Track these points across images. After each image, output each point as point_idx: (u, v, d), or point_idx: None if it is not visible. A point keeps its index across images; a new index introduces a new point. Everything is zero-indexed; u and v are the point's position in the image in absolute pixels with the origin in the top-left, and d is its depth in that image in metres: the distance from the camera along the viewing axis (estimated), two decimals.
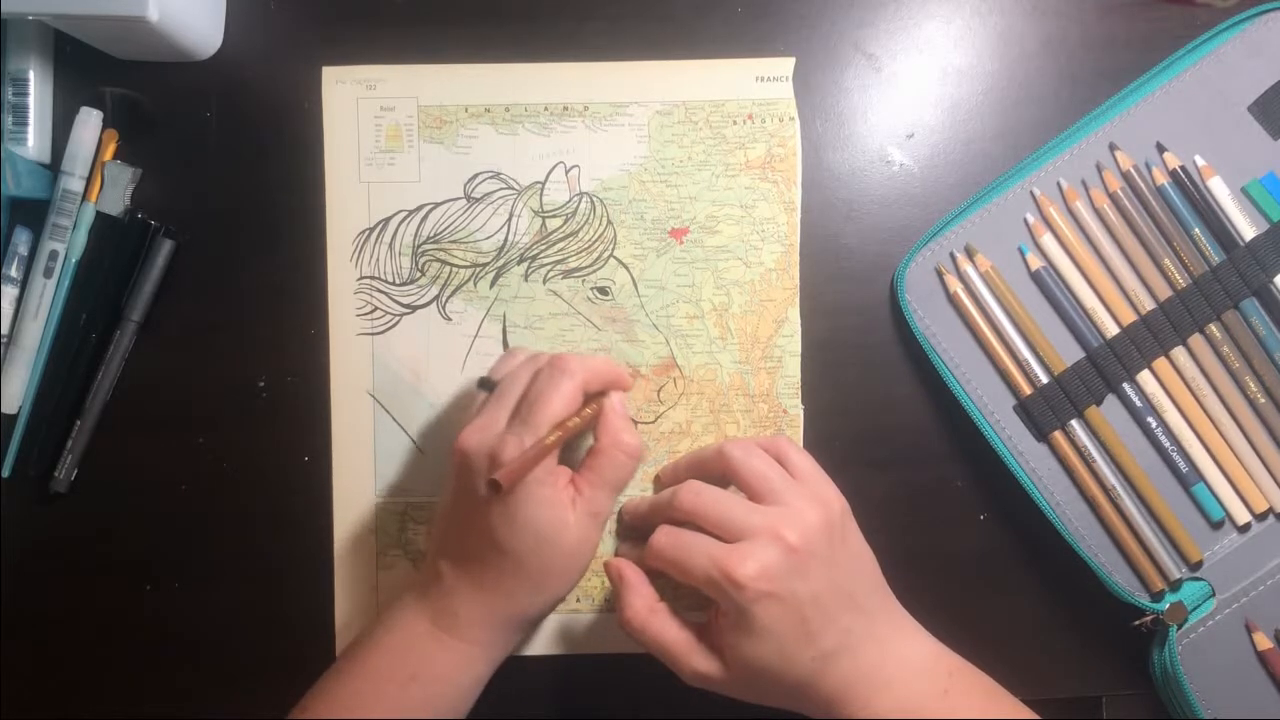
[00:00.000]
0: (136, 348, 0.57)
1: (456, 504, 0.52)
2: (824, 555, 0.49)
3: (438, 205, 0.57)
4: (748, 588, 0.47)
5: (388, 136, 0.57)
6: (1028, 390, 0.56)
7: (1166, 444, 0.55)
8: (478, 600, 0.51)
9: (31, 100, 0.56)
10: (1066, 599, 0.58)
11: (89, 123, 0.57)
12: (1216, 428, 0.55)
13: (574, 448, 0.55)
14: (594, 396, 0.52)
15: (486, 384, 0.53)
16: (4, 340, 0.57)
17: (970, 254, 0.57)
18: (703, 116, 0.57)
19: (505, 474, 0.47)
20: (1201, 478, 0.55)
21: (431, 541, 0.55)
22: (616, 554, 0.57)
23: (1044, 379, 0.56)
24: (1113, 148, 0.56)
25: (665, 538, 0.50)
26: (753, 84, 0.57)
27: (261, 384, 0.58)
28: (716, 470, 0.53)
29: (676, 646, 0.50)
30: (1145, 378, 0.56)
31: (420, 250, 0.57)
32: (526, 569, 0.50)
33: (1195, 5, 0.58)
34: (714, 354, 0.57)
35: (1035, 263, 0.56)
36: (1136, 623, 0.55)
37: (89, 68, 0.57)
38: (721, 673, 0.49)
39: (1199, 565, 0.55)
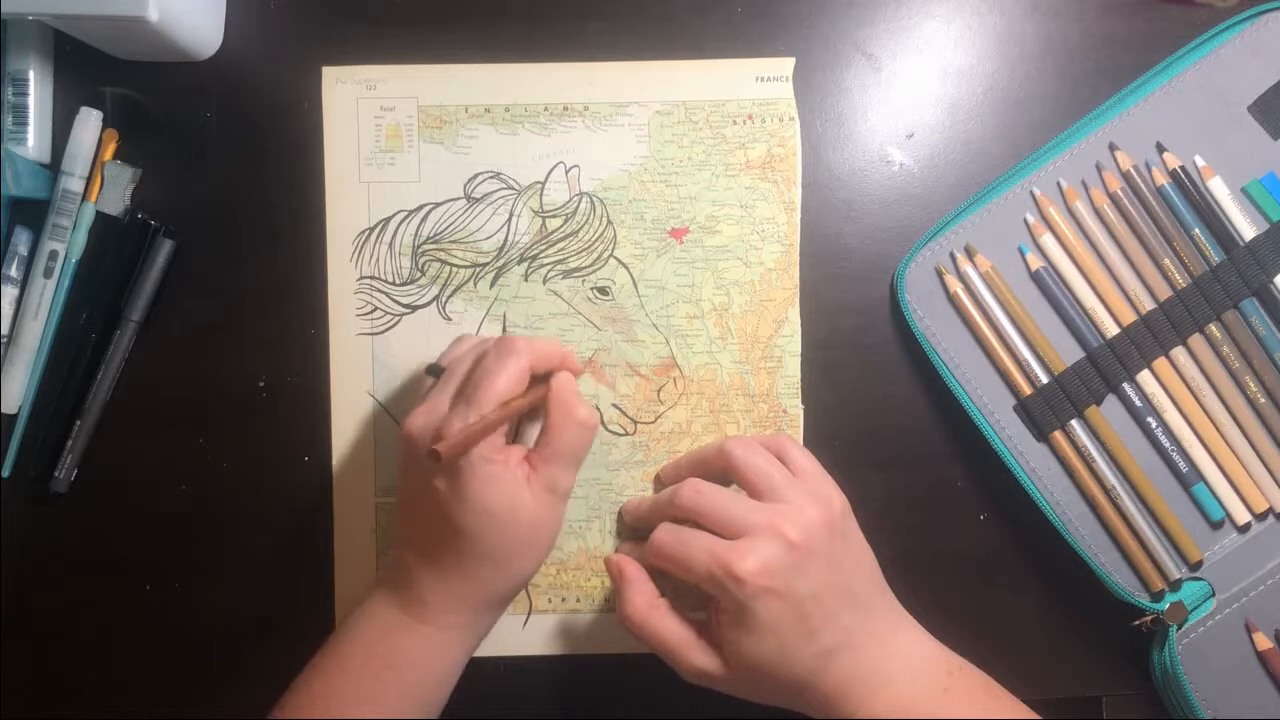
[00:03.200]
0: (136, 348, 0.57)
1: (409, 489, 0.52)
2: (825, 553, 0.49)
3: (438, 205, 0.57)
4: (748, 583, 0.47)
5: (388, 136, 0.57)
6: (1028, 390, 0.56)
7: (1166, 444, 0.55)
8: (441, 584, 0.51)
9: (31, 100, 0.56)
10: (1066, 599, 0.58)
11: (89, 123, 0.57)
12: (1216, 428, 0.55)
13: (529, 434, 0.55)
14: (542, 379, 0.52)
15: (434, 370, 0.53)
16: (4, 340, 0.57)
17: (970, 254, 0.57)
18: (703, 116, 0.57)
19: (446, 445, 0.46)
20: (1201, 478, 0.55)
21: (395, 531, 0.55)
22: (617, 552, 0.57)
23: (1044, 379, 0.56)
24: (1113, 148, 0.56)
25: (666, 535, 0.50)
26: (753, 84, 0.57)
27: (261, 384, 0.58)
28: (717, 468, 0.53)
29: (676, 642, 0.50)
30: (1145, 378, 0.56)
31: (420, 250, 0.57)
32: (483, 549, 0.50)
33: (1195, 5, 0.58)
34: (714, 354, 0.57)
35: (1035, 263, 0.56)
36: (1136, 623, 0.55)
37: (89, 68, 0.57)
38: (721, 670, 0.49)
39: (1199, 565, 0.55)
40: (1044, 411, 0.55)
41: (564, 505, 0.53)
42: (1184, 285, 0.55)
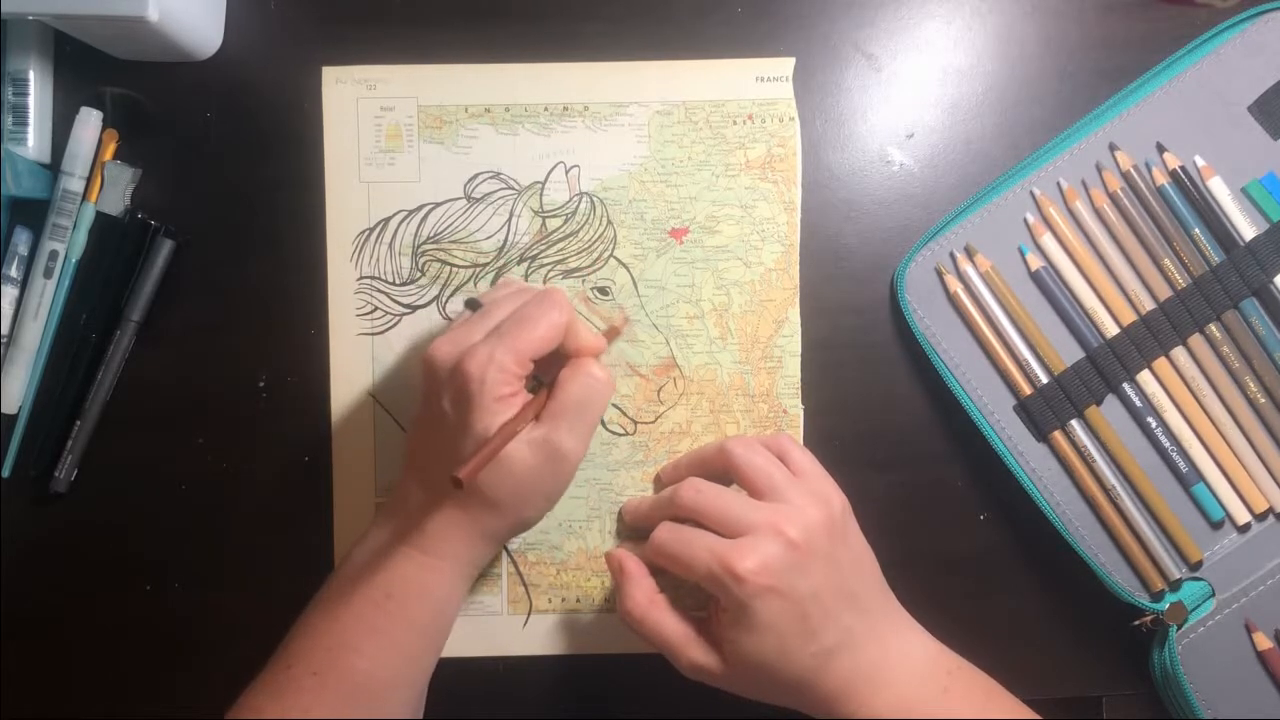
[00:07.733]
0: (136, 348, 0.57)
1: (424, 417, 0.52)
2: (825, 552, 0.49)
3: (438, 205, 0.57)
4: (748, 582, 0.47)
5: (388, 136, 0.57)
6: (1028, 390, 0.56)
7: (1166, 444, 0.55)
8: (439, 515, 0.50)
9: (31, 100, 0.56)
10: (1066, 599, 0.58)
11: (89, 123, 0.57)
12: (1216, 428, 0.55)
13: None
14: (552, 372, 0.51)
15: (472, 304, 0.52)
16: (4, 340, 0.57)
17: (970, 254, 0.57)
18: (703, 116, 0.57)
19: (467, 471, 0.46)
20: (1201, 478, 0.55)
21: (405, 456, 0.55)
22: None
23: (1044, 379, 0.56)
24: (1113, 148, 0.56)
25: (666, 533, 0.50)
26: (753, 84, 0.57)
27: (261, 384, 0.58)
28: (718, 468, 0.53)
29: (675, 638, 0.50)
30: (1145, 378, 0.56)
31: (420, 250, 0.57)
32: (478, 488, 0.49)
33: (1195, 5, 0.58)
34: (714, 354, 0.57)
35: (1035, 263, 0.56)
36: (1136, 623, 0.55)
37: (89, 68, 0.57)
38: (720, 667, 0.49)
39: (1199, 565, 0.55)
40: (1044, 411, 0.55)
41: (568, 464, 0.51)
42: (1184, 285, 0.55)
